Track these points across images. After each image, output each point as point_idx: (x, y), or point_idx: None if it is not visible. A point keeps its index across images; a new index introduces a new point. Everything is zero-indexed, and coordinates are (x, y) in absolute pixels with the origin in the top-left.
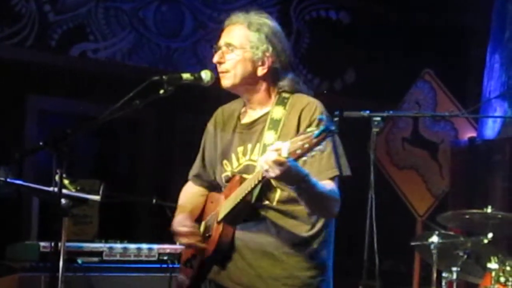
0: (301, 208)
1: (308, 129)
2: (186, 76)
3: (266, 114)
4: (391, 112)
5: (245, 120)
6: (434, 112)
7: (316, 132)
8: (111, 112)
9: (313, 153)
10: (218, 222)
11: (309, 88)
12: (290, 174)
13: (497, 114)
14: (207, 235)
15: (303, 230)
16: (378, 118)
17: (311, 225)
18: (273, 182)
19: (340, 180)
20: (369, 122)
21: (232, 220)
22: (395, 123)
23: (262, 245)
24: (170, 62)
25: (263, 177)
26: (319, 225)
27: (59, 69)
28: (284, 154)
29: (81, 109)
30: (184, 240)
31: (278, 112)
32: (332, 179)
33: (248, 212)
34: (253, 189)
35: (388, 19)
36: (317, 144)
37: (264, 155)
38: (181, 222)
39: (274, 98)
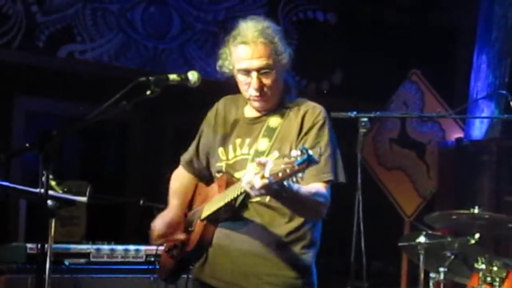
0: None
1: (292, 154)
2: (172, 77)
3: (267, 115)
4: (378, 113)
5: (248, 114)
6: (422, 113)
7: (299, 159)
8: (98, 113)
9: (294, 179)
10: (201, 220)
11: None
12: (272, 191)
13: (484, 114)
14: (190, 229)
15: (291, 230)
16: (365, 119)
17: (298, 225)
18: None
19: (333, 185)
20: (356, 123)
21: (214, 220)
22: (383, 124)
23: (249, 244)
24: (158, 63)
25: (245, 191)
26: (306, 226)
27: (47, 70)
28: (266, 174)
29: (68, 110)
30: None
31: (275, 121)
32: (326, 182)
33: (234, 212)
34: (236, 198)
35: (375, 20)
36: (298, 171)
37: (248, 175)
38: (164, 221)
39: (279, 99)
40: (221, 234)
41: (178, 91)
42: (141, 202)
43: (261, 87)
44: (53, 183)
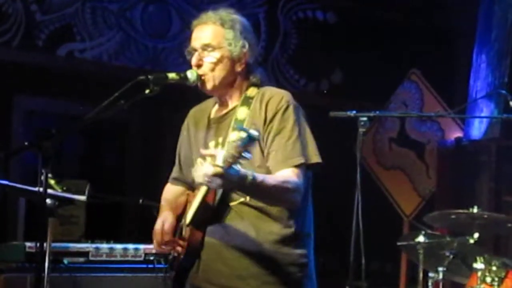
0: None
1: (233, 137)
2: (171, 75)
3: (233, 109)
4: (377, 112)
5: (216, 114)
6: (421, 112)
7: (242, 140)
8: (97, 112)
9: (242, 160)
10: (187, 226)
11: (293, 85)
12: (232, 181)
13: (483, 114)
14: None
15: (281, 227)
16: (365, 118)
17: (288, 222)
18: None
19: (310, 167)
20: (356, 122)
21: (199, 223)
22: (382, 124)
23: (241, 245)
24: (157, 62)
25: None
26: (297, 222)
27: (46, 69)
28: (219, 163)
29: (67, 109)
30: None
31: (242, 112)
32: (297, 166)
33: (215, 212)
34: (206, 194)
35: (375, 20)
36: (245, 151)
37: (201, 167)
38: (163, 225)
39: (243, 93)
40: (213, 239)
41: (178, 90)
42: (141, 201)
43: (199, 64)
44: (52, 181)
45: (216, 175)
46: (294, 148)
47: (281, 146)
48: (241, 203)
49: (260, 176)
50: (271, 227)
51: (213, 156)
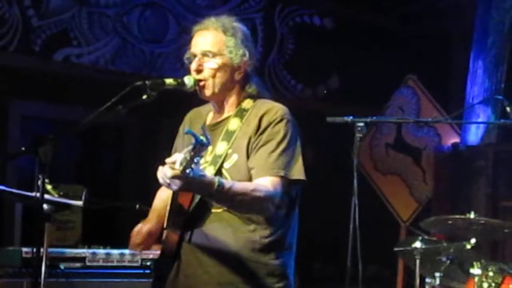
0: None
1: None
2: (169, 81)
3: (227, 119)
4: (374, 117)
5: (210, 121)
6: (418, 118)
7: (191, 147)
8: (94, 117)
9: (193, 165)
10: (165, 228)
11: (290, 91)
12: (193, 184)
13: (480, 120)
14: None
15: (262, 235)
16: (362, 124)
17: (270, 230)
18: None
19: (293, 183)
20: (353, 128)
21: (174, 225)
22: (379, 129)
23: (220, 252)
24: (154, 67)
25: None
26: (278, 232)
27: (43, 74)
28: (177, 166)
29: (64, 114)
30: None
31: (234, 124)
32: (277, 177)
33: (202, 217)
34: (175, 197)
35: (372, 25)
36: (195, 155)
37: (161, 169)
38: (138, 231)
39: (239, 102)
40: (193, 243)
41: (174, 95)
42: (137, 206)
43: (199, 70)
44: (49, 187)
45: (174, 177)
46: (277, 160)
47: (265, 156)
48: (224, 210)
49: (227, 183)
50: (251, 235)
51: (174, 163)
